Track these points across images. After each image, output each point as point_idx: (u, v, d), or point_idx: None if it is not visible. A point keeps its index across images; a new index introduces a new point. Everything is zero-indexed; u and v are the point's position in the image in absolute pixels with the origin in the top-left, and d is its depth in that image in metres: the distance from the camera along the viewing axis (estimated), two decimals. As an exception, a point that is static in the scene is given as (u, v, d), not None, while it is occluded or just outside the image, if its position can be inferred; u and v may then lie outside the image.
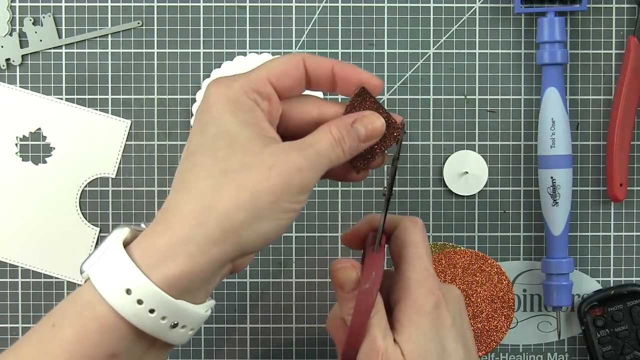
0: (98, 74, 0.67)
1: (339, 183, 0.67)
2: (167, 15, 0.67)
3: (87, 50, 0.67)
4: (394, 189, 0.62)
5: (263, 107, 0.47)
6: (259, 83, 0.47)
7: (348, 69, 0.50)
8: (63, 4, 0.67)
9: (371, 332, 0.48)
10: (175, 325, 0.45)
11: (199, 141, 0.46)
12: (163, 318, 0.44)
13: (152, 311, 0.43)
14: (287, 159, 0.45)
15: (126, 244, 0.45)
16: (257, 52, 0.67)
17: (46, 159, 0.67)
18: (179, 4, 0.67)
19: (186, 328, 0.45)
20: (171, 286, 0.43)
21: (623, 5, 0.67)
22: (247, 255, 0.46)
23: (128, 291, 0.43)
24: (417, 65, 0.67)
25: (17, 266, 0.67)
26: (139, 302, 0.43)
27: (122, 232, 0.45)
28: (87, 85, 0.67)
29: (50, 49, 0.67)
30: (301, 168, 0.45)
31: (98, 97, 0.67)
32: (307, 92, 0.50)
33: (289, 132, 0.50)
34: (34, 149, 0.67)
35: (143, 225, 0.47)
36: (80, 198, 0.67)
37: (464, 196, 0.67)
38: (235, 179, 0.44)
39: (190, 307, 0.45)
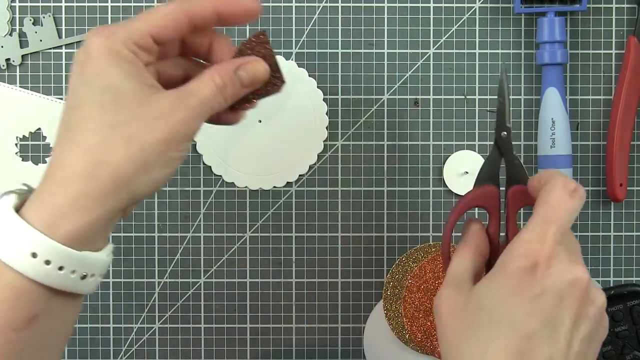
0: (98, 74, 0.67)
1: (339, 183, 0.67)
2: (167, 15, 0.67)
3: (87, 50, 0.67)
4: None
5: (142, 57, 0.48)
6: (139, 36, 0.48)
7: (229, 3, 0.50)
8: (63, 4, 0.67)
9: (452, 261, 0.53)
10: (84, 277, 0.46)
11: (84, 93, 0.47)
12: (73, 272, 0.45)
13: (61, 268, 0.45)
14: (172, 110, 0.47)
15: (18, 209, 0.45)
16: (257, 52, 0.67)
17: (46, 159, 0.67)
18: (179, 4, 0.67)
19: (95, 276, 0.47)
20: (74, 241, 0.45)
21: (623, 5, 0.67)
22: (138, 202, 0.48)
23: (34, 255, 0.44)
24: (417, 65, 0.67)
25: (17, 266, 0.67)
26: (47, 262, 0.44)
27: (9, 199, 0.46)
28: (87, 85, 0.67)
29: (50, 49, 0.67)
30: (185, 119, 0.47)
31: (98, 97, 0.67)
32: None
33: (184, 54, 0.51)
34: (34, 149, 0.67)
35: (26, 188, 0.48)
36: (80, 198, 0.67)
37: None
38: (123, 132, 0.46)
39: (95, 256, 0.46)
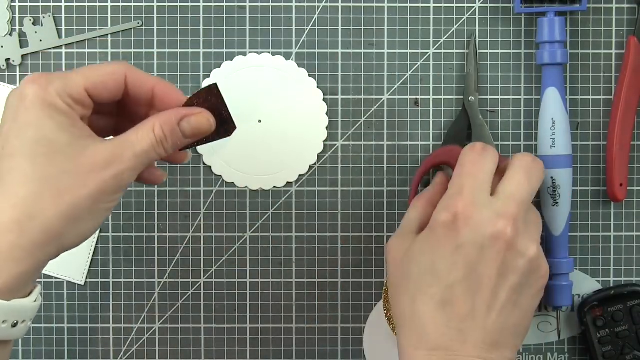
0: (98, 74, 0.67)
1: (339, 183, 0.67)
2: (167, 15, 0.67)
3: (87, 50, 0.67)
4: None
5: (77, 110, 0.48)
6: (74, 89, 0.48)
7: (169, 92, 0.51)
8: (63, 4, 0.67)
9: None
10: (15, 324, 0.47)
11: (17, 143, 0.46)
12: (4, 322, 0.46)
13: None
14: (105, 164, 0.47)
15: None
16: (257, 52, 0.67)
17: (46, 159, 0.67)
18: (179, 4, 0.67)
19: (25, 322, 0.47)
20: (4, 292, 0.45)
21: (623, 5, 0.67)
22: (68, 250, 0.48)
23: None
24: (417, 65, 0.67)
25: (17, 266, 0.67)
26: None
27: None
28: (87, 85, 0.67)
29: (50, 49, 0.67)
30: (118, 173, 0.47)
31: (98, 97, 0.67)
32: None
33: (128, 99, 0.51)
34: (34, 149, 0.67)
35: None
36: (80, 198, 0.67)
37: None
38: (53, 186, 0.46)
39: (24, 303, 0.47)
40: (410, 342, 0.52)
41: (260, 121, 0.67)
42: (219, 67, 0.67)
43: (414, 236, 0.56)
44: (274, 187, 0.67)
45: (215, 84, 0.52)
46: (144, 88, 0.50)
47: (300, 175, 0.67)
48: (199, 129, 0.51)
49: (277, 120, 0.67)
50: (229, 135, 0.53)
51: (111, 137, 0.50)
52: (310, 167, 0.67)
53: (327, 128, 0.67)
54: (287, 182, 0.67)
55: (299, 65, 0.67)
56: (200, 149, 0.67)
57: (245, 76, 0.67)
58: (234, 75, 0.67)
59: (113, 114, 0.53)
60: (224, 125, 0.52)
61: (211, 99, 0.52)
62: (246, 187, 0.67)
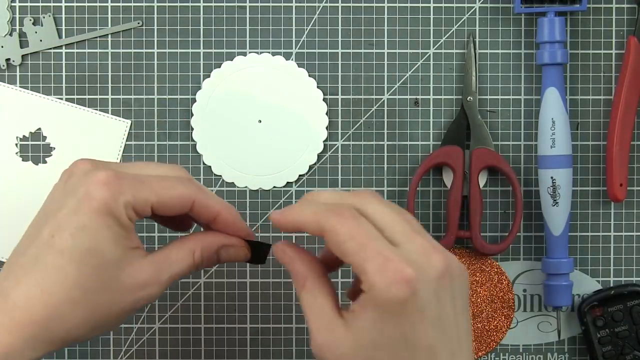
0: (98, 74, 0.67)
1: (339, 183, 0.67)
2: (167, 15, 0.67)
3: (87, 50, 0.67)
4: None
5: (135, 221, 0.48)
6: (142, 204, 0.47)
7: (230, 225, 0.51)
8: (63, 4, 0.67)
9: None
10: None
11: (69, 244, 0.45)
12: None
13: None
14: (143, 284, 0.47)
15: None
16: (257, 52, 0.67)
17: (46, 159, 0.67)
18: (179, 4, 0.67)
19: None
20: None
21: (623, 5, 0.67)
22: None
23: None
24: (417, 65, 0.67)
25: (17, 266, 0.67)
26: None
27: None
28: (87, 85, 0.67)
29: (50, 49, 0.67)
30: (152, 293, 0.48)
31: (98, 97, 0.67)
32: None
33: (189, 214, 0.51)
34: (34, 149, 0.67)
35: None
36: (80, 198, 0.67)
37: (464, 196, 0.67)
38: (92, 300, 0.46)
39: None
40: None
41: (260, 121, 0.67)
42: (219, 67, 0.67)
43: (340, 322, 0.46)
44: (274, 187, 0.67)
45: (269, 246, 0.53)
46: (208, 214, 0.50)
47: (300, 175, 0.67)
48: (235, 259, 0.52)
49: (277, 120, 0.67)
50: (258, 262, 0.54)
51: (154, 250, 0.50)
52: (310, 167, 0.67)
53: (327, 128, 0.67)
54: (287, 182, 0.67)
55: (299, 65, 0.67)
56: (200, 148, 0.67)
57: (245, 76, 0.67)
58: (234, 75, 0.67)
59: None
60: (259, 249, 0.53)
61: (261, 246, 0.53)
62: (246, 187, 0.67)
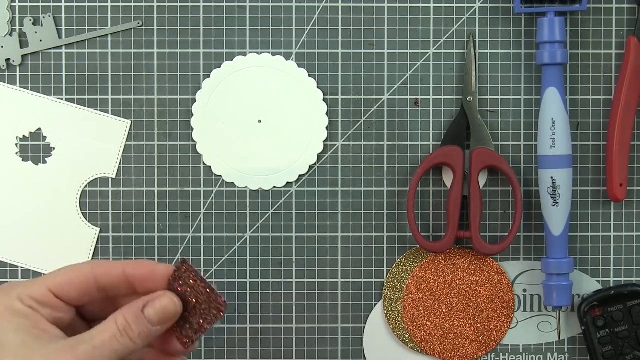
0: (98, 74, 0.67)
1: (339, 183, 0.67)
2: (167, 15, 0.67)
3: (87, 50, 0.67)
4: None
5: (43, 312, 0.48)
6: (37, 291, 0.48)
7: (139, 267, 0.50)
8: (63, 4, 0.67)
9: None
10: None
11: None
12: None
13: None
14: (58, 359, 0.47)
15: None
16: (257, 52, 0.67)
17: (46, 159, 0.67)
18: (179, 4, 0.67)
19: None
20: None
21: (623, 5, 0.67)
22: None
23: None
24: (417, 65, 0.67)
25: (17, 266, 0.67)
26: None
27: None
28: (87, 85, 0.67)
29: (50, 49, 0.67)
30: None
31: (98, 97, 0.67)
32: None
33: (110, 291, 0.51)
34: (34, 149, 0.67)
35: None
36: (80, 198, 0.67)
37: (464, 196, 0.67)
38: None
39: None
40: None
41: (260, 121, 0.67)
42: (219, 67, 0.67)
43: None
44: (274, 187, 0.67)
45: (184, 259, 0.51)
46: (113, 276, 0.50)
47: (300, 175, 0.67)
48: (165, 313, 0.50)
49: (277, 120, 0.67)
50: (221, 313, 0.50)
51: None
52: (310, 167, 0.67)
53: (327, 128, 0.67)
54: (287, 182, 0.67)
55: (299, 65, 0.67)
56: (200, 148, 0.67)
57: (245, 76, 0.67)
58: (234, 75, 0.67)
59: (112, 309, 0.52)
60: (211, 303, 0.50)
61: (188, 278, 0.50)
62: (246, 187, 0.67)
